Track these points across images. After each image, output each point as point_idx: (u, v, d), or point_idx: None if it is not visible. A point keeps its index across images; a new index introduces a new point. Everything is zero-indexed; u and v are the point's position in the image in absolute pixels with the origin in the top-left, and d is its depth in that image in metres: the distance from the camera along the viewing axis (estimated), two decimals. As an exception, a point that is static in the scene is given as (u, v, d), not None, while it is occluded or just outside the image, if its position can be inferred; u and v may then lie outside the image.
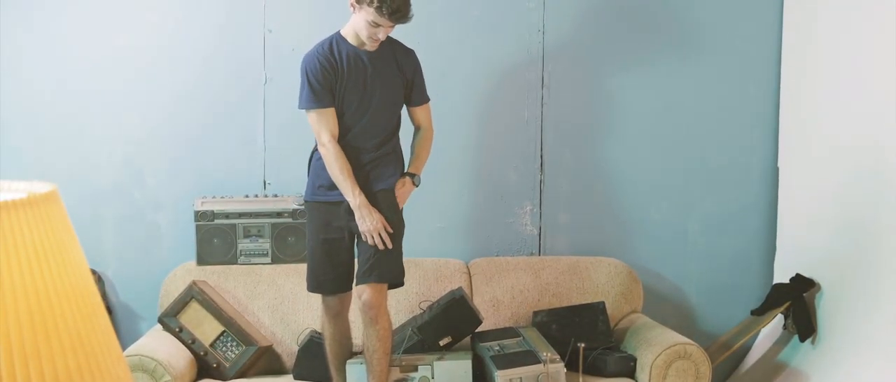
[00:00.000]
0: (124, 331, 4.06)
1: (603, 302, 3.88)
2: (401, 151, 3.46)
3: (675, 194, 4.32)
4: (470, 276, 4.04)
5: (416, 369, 3.48)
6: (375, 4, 3.13)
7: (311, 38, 3.41)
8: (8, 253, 1.02)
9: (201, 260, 3.96)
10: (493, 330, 3.76)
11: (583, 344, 3.47)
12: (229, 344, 3.71)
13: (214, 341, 3.71)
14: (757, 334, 4.16)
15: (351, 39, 3.31)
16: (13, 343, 1.02)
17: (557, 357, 3.39)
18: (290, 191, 4.03)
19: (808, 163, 4.08)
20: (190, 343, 3.69)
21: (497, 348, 3.54)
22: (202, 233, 3.96)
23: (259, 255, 3.99)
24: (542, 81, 4.23)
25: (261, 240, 3.99)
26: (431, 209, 4.11)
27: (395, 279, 3.35)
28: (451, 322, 3.66)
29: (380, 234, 3.27)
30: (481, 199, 4.27)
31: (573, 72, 4.24)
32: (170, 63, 4.10)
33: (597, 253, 4.21)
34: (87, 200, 4.06)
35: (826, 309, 3.87)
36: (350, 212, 3.31)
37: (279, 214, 3.99)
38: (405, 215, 3.43)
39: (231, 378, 3.69)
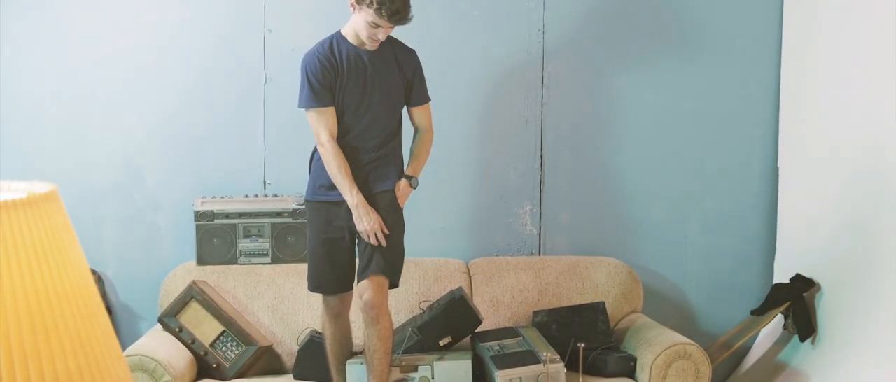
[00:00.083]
0: (124, 331, 4.06)
1: (603, 302, 3.88)
2: (402, 153, 3.46)
3: (675, 194, 4.32)
4: (470, 276, 4.04)
5: (416, 369, 3.48)
6: (375, 6, 3.13)
7: (311, 38, 3.41)
8: (8, 253, 1.02)
9: (201, 260, 3.96)
10: (493, 330, 3.76)
11: (583, 344, 3.47)
12: (229, 344, 3.71)
13: (214, 341, 3.71)
14: (757, 334, 4.16)
15: (351, 39, 3.31)
16: (13, 343, 1.02)
17: (557, 357, 3.39)
18: (290, 190, 4.03)
19: (808, 163, 4.08)
20: (190, 343, 3.69)
21: (497, 348, 3.54)
22: (202, 233, 3.97)
23: (259, 255, 3.99)
24: (542, 81, 4.23)
25: (261, 240, 3.99)
26: (431, 209, 4.11)
27: (393, 274, 3.34)
28: (451, 322, 3.66)
29: (377, 234, 3.27)
30: (481, 199, 4.27)
31: (573, 73, 4.24)
32: (170, 63, 4.10)
33: (597, 253, 4.21)
34: (87, 200, 4.06)
35: (826, 309, 3.87)
36: (351, 212, 3.31)
37: (279, 214, 3.99)
38: (405, 215, 3.43)
39: (231, 378, 3.69)
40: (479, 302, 3.92)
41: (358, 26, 3.24)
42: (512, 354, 3.47)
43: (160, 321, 3.76)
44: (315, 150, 3.42)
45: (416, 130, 3.50)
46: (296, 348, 3.78)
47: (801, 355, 3.92)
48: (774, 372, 4.02)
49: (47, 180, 1.16)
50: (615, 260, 4.13)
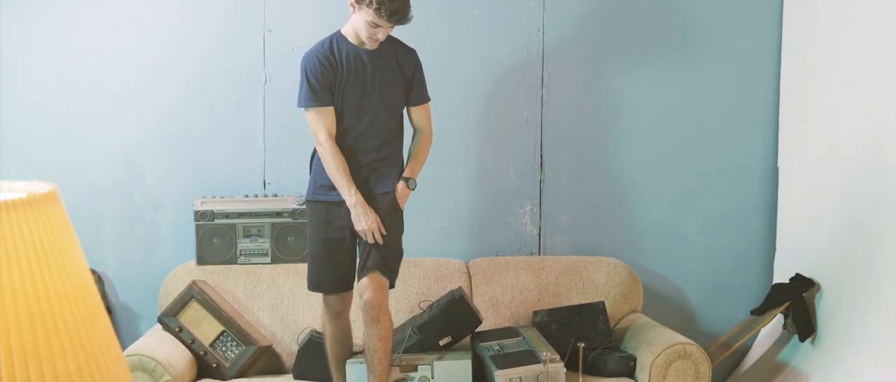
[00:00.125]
0: (124, 331, 4.06)
1: (603, 302, 3.88)
2: (403, 154, 3.45)
3: (675, 194, 4.32)
4: (470, 276, 4.04)
5: (416, 369, 3.48)
6: (375, 6, 3.13)
7: (311, 37, 3.41)
8: (8, 253, 1.02)
9: (201, 260, 3.96)
10: (493, 330, 3.76)
11: (583, 344, 3.47)
12: (229, 344, 3.71)
13: (214, 341, 3.71)
14: (757, 334, 4.16)
15: (351, 38, 3.31)
16: (13, 343, 1.02)
17: (557, 356, 3.39)
18: (290, 190, 4.03)
19: (808, 163, 4.08)
20: (190, 343, 3.69)
21: (497, 348, 3.54)
22: (202, 233, 3.97)
23: (259, 255, 3.99)
24: (542, 81, 4.23)
25: (260, 240, 3.99)
26: (432, 209, 4.11)
27: (390, 274, 3.34)
28: (451, 322, 3.66)
29: (374, 234, 3.27)
30: (481, 199, 4.27)
31: (573, 73, 4.24)
32: (170, 63, 4.10)
33: (597, 253, 4.21)
34: (87, 200, 4.06)
35: (826, 309, 3.87)
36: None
37: (279, 214, 3.99)
38: (405, 215, 3.43)
39: (231, 378, 3.68)
40: (479, 302, 3.92)
41: (358, 26, 3.24)
42: (512, 354, 3.47)
43: (160, 321, 3.76)
44: (315, 150, 3.41)
45: (415, 131, 3.49)
46: (296, 348, 3.78)
47: (801, 355, 3.92)
48: (774, 372, 4.02)
49: (47, 180, 1.16)
50: (615, 260, 4.13)
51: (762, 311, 4.05)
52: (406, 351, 3.58)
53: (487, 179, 4.26)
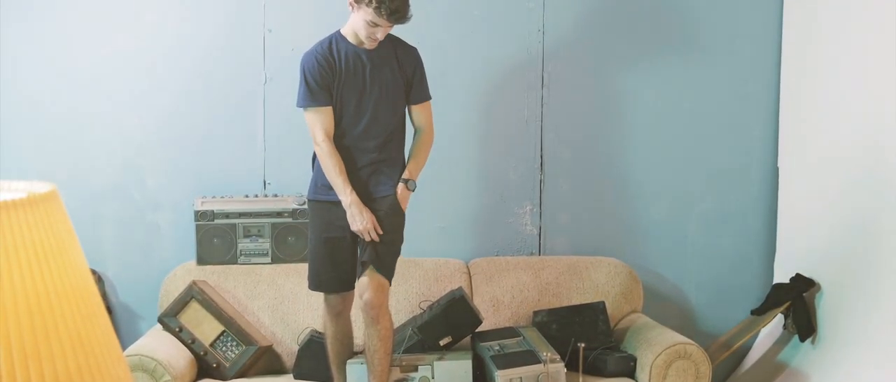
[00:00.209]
0: (124, 331, 4.06)
1: (603, 302, 3.88)
2: (404, 155, 3.44)
3: (675, 194, 4.32)
4: (470, 276, 4.04)
5: (416, 369, 3.48)
6: (374, 5, 3.13)
7: (311, 37, 3.41)
8: (8, 254, 1.02)
9: (201, 260, 3.96)
10: (493, 330, 3.76)
11: (583, 344, 3.47)
12: (229, 344, 3.71)
13: (214, 341, 3.71)
14: (757, 334, 4.16)
15: (350, 38, 3.31)
16: (13, 343, 1.02)
17: (557, 356, 3.39)
18: (290, 190, 4.03)
19: (808, 163, 4.08)
20: (190, 343, 3.69)
21: (497, 348, 3.54)
22: (202, 233, 3.97)
23: (259, 255, 3.99)
24: (542, 81, 4.23)
25: (261, 240, 3.99)
26: (432, 209, 4.10)
27: (387, 272, 3.34)
28: (451, 322, 3.66)
29: (370, 232, 3.27)
30: (481, 199, 4.27)
31: (573, 73, 4.24)
32: (170, 63, 4.10)
33: (597, 253, 4.21)
34: (87, 200, 4.06)
35: (826, 309, 3.87)
36: (352, 212, 3.31)
37: (279, 214, 3.99)
38: (406, 215, 3.42)
39: (231, 378, 3.68)
40: (479, 302, 3.92)
41: (357, 25, 3.24)
42: (512, 354, 3.47)
43: (160, 321, 3.76)
44: (316, 150, 3.41)
45: (416, 130, 3.48)
46: (296, 348, 3.78)
47: (801, 355, 3.92)
48: (774, 372, 4.02)
49: (47, 180, 1.16)
50: (615, 260, 4.13)
51: (762, 311, 4.05)
52: (406, 351, 3.58)
53: (487, 179, 4.26)
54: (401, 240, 3.40)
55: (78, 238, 1.15)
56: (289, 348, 3.85)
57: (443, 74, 3.96)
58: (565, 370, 3.38)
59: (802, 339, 3.89)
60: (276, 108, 4.10)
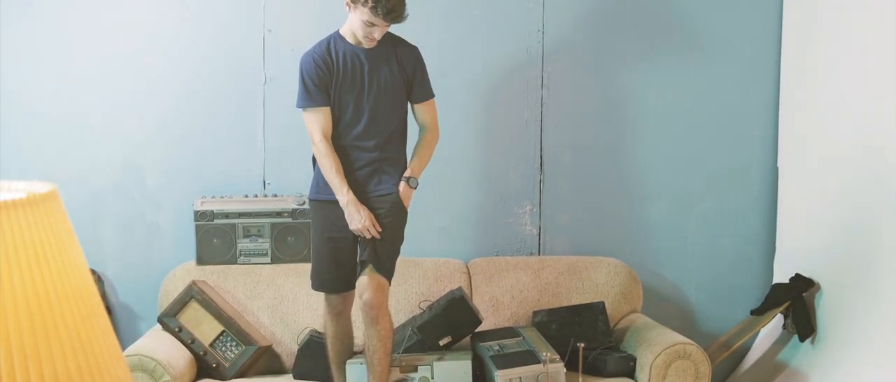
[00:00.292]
0: (124, 331, 4.06)
1: (603, 302, 3.88)
2: (405, 154, 3.44)
3: (675, 194, 4.32)
4: (470, 276, 4.04)
5: (416, 369, 3.48)
6: (370, 4, 3.13)
7: (311, 38, 3.41)
8: (8, 254, 1.02)
9: (201, 260, 3.96)
10: (492, 330, 3.76)
11: (583, 344, 3.47)
12: (229, 344, 3.71)
13: (214, 341, 3.71)
14: (757, 334, 4.16)
15: (349, 38, 3.31)
16: (13, 343, 1.02)
17: (557, 356, 3.39)
18: (290, 190, 4.03)
19: (808, 163, 4.08)
20: (189, 343, 3.69)
21: (497, 348, 3.54)
22: (202, 233, 3.97)
23: (259, 255, 3.99)
24: (542, 81, 4.23)
25: (260, 240, 3.99)
26: (431, 209, 4.10)
27: (386, 271, 3.34)
28: (451, 322, 3.66)
29: (369, 230, 3.27)
30: (481, 199, 4.27)
31: (573, 73, 4.24)
32: (170, 63, 4.10)
33: (597, 253, 4.21)
34: (87, 200, 4.06)
35: (826, 309, 3.87)
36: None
37: (279, 214, 3.99)
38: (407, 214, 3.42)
39: (231, 378, 3.68)
40: (479, 302, 3.92)
41: (354, 25, 3.24)
42: (512, 354, 3.46)
43: (160, 321, 3.76)
44: (318, 150, 3.41)
45: (421, 129, 3.48)
46: (295, 348, 3.78)
47: (801, 355, 3.92)
48: (774, 372, 4.02)
49: (47, 180, 1.16)
50: (615, 260, 4.13)
51: (762, 311, 4.05)
52: (406, 351, 3.58)
53: (487, 179, 4.26)
54: (401, 240, 3.40)
55: (78, 238, 1.15)
56: (288, 348, 3.85)
57: (443, 74, 3.96)
58: (565, 370, 3.38)
59: (802, 339, 3.89)
60: (276, 108, 4.10)
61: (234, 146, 4.14)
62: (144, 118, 4.11)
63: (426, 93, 3.43)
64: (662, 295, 4.33)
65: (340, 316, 3.48)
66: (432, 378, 3.46)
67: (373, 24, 3.18)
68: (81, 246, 1.15)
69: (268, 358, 3.85)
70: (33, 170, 4.01)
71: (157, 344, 3.55)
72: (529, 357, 3.40)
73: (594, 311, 3.85)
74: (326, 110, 3.30)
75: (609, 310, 3.90)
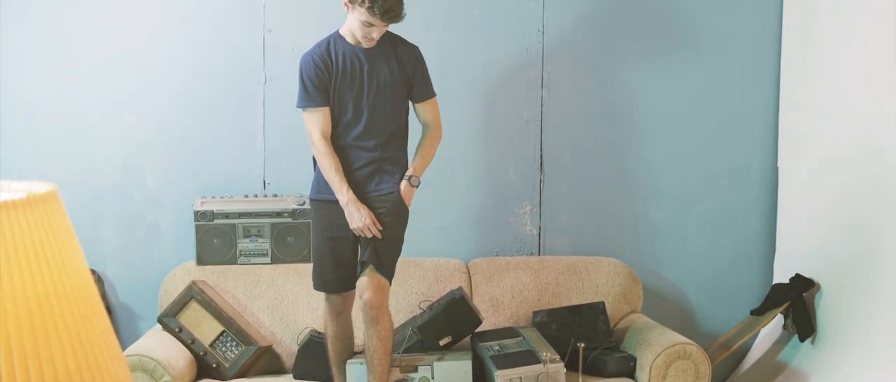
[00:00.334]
0: (124, 331, 4.06)
1: (603, 302, 3.88)
2: (406, 154, 3.44)
3: (675, 194, 4.32)
4: (470, 276, 4.04)
5: (416, 369, 3.48)
6: (367, 4, 3.13)
7: (311, 37, 3.41)
8: (8, 254, 1.02)
9: (201, 260, 3.96)
10: (493, 330, 3.76)
11: (583, 344, 3.47)
12: (229, 344, 3.71)
13: (214, 341, 3.71)
14: (757, 334, 4.16)
15: (349, 38, 3.31)
16: (13, 343, 1.02)
17: (557, 357, 3.39)
18: (290, 190, 4.03)
19: (808, 163, 4.08)
20: (189, 343, 3.69)
21: (497, 348, 3.54)
22: (202, 233, 3.96)
23: (259, 255, 3.99)
24: (542, 81, 4.23)
25: (260, 240, 3.99)
26: (431, 209, 4.10)
27: (387, 271, 3.34)
28: (451, 322, 3.66)
29: (369, 228, 3.27)
30: (481, 199, 4.27)
31: (573, 73, 4.24)
32: (169, 63, 4.10)
33: (597, 253, 4.21)
34: (87, 200, 4.06)
35: (826, 309, 3.87)
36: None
37: (279, 214, 3.99)
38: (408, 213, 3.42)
39: (231, 378, 3.68)
40: (479, 302, 3.92)
41: (353, 25, 3.24)
42: (512, 354, 3.46)
43: (160, 321, 3.76)
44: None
45: (424, 128, 3.47)
46: (296, 348, 3.78)
47: (801, 355, 3.92)
48: (774, 372, 4.02)
49: (47, 180, 1.16)
50: (615, 260, 4.13)
51: (762, 311, 4.05)
52: (406, 351, 3.58)
53: (487, 179, 4.26)
54: (401, 240, 3.40)
55: (78, 238, 1.15)
56: (288, 348, 3.85)
57: (443, 74, 3.95)
58: (565, 370, 3.38)
59: (802, 339, 3.89)
60: (276, 108, 4.10)
61: (234, 146, 4.14)
62: (144, 118, 4.11)
63: (427, 92, 3.43)
64: (662, 295, 4.33)
65: (341, 315, 3.48)
66: (432, 378, 3.46)
67: (371, 25, 3.18)
68: (81, 246, 1.15)
69: (268, 358, 3.85)
70: (33, 170, 4.01)
71: (157, 344, 3.55)
72: (529, 358, 3.40)
73: (594, 311, 3.85)
74: (326, 110, 3.30)
75: (609, 310, 3.90)
